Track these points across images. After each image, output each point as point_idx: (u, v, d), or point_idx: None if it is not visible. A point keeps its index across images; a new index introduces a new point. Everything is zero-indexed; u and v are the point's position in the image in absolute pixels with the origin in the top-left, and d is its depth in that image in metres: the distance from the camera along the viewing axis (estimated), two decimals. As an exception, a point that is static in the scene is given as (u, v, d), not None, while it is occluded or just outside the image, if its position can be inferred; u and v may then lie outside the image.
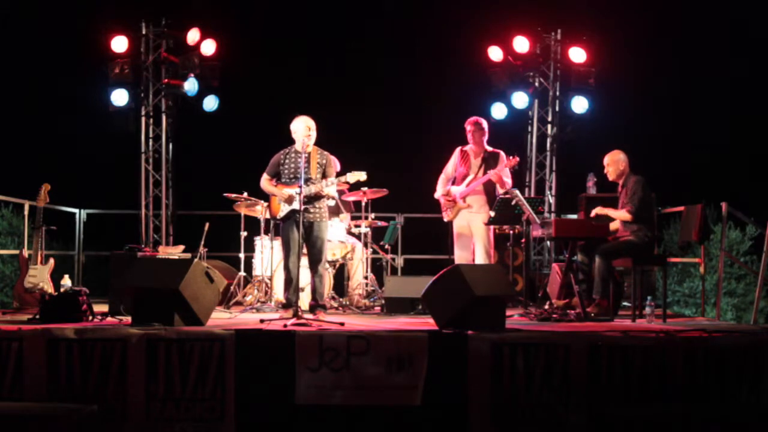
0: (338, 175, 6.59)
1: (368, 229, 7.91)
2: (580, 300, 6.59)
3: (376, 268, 8.59)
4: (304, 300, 6.74)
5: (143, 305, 5.42)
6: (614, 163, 6.82)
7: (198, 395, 5.02)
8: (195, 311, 5.47)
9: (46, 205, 7.03)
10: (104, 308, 6.33)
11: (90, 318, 5.86)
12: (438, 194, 7.47)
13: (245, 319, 6.37)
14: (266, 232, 7.77)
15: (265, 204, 7.46)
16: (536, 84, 9.91)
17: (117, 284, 6.42)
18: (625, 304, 7.54)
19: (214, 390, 5.02)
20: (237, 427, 5.01)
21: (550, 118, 10.03)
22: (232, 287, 7.57)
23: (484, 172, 7.24)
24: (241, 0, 10.48)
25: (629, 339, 5.21)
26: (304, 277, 6.81)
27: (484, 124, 7.39)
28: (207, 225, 7.69)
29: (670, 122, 10.60)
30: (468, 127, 7.38)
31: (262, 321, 5.89)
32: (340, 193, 7.92)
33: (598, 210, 6.81)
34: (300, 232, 6.31)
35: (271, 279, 7.44)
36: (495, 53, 9.75)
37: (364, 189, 7.76)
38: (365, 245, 7.89)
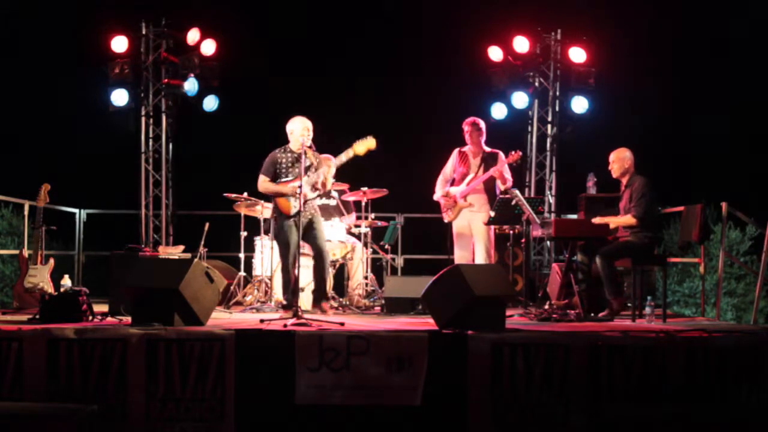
0: (345, 149, 6.61)
1: (368, 229, 7.92)
2: (580, 300, 6.59)
3: (376, 268, 8.59)
4: (305, 300, 6.75)
5: (143, 305, 5.42)
6: (620, 160, 6.79)
7: (198, 395, 5.02)
8: (195, 311, 5.47)
9: (46, 205, 7.03)
10: (104, 308, 6.33)
11: (90, 318, 5.86)
12: (437, 196, 7.47)
13: (245, 319, 6.37)
14: (266, 232, 7.77)
15: (267, 204, 7.46)
16: (536, 84, 9.92)
17: (117, 284, 6.41)
18: (626, 304, 7.53)
19: (214, 390, 5.03)
20: (237, 427, 5.01)
21: (550, 118, 10.03)
22: (232, 287, 7.57)
23: (484, 172, 7.24)
24: (241, 0, 10.47)
25: (629, 339, 5.21)
26: (305, 277, 6.81)
27: (482, 124, 7.39)
28: (207, 225, 7.69)
29: (670, 122, 10.59)
30: (465, 128, 7.38)
31: (262, 321, 5.88)
32: (340, 192, 7.93)
33: (598, 220, 6.73)
34: (299, 233, 6.32)
35: (271, 279, 7.44)
36: (495, 53, 9.75)
37: (364, 189, 7.77)
38: (365, 245, 7.89)
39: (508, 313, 6.19)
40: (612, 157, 6.86)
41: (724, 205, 7.09)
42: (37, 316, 5.72)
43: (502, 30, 9.81)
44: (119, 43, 9.41)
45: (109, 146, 9.98)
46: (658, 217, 6.86)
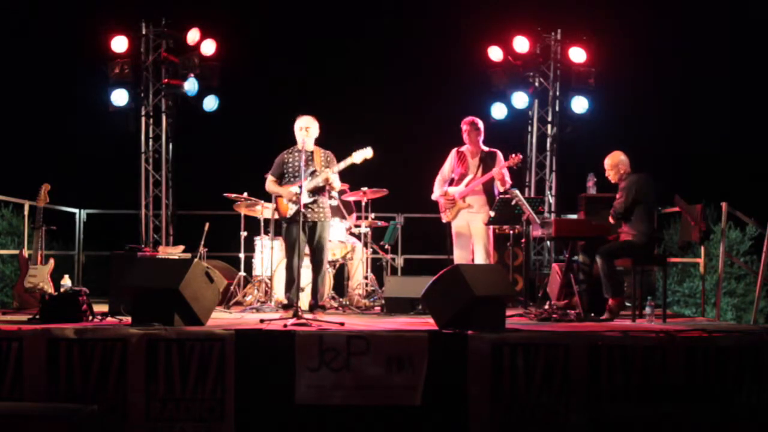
0: (345, 157, 6.61)
1: (368, 229, 7.91)
2: (580, 300, 6.59)
3: (376, 268, 8.59)
4: (304, 300, 6.75)
5: (143, 305, 5.42)
6: (614, 166, 6.79)
7: (198, 395, 5.02)
8: (195, 311, 5.47)
9: (46, 205, 7.03)
10: (104, 308, 6.33)
11: (90, 318, 5.86)
12: (435, 195, 7.47)
13: (245, 319, 6.37)
14: (266, 232, 7.77)
15: (267, 204, 7.47)
16: (536, 84, 9.92)
17: (117, 284, 6.42)
18: (625, 303, 7.53)
19: (214, 390, 5.02)
20: (237, 427, 5.01)
21: (550, 118, 10.03)
22: (232, 287, 7.57)
23: (483, 172, 7.24)
24: (241, 0, 10.47)
25: (629, 339, 5.21)
26: (305, 277, 6.81)
27: (480, 123, 7.39)
28: (207, 225, 7.69)
29: (670, 122, 10.59)
30: (464, 127, 7.38)
31: (262, 321, 5.88)
32: (341, 193, 7.92)
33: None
34: (304, 231, 6.32)
35: (271, 279, 7.44)
36: (495, 53, 9.75)
37: (364, 189, 7.77)
38: (365, 245, 7.89)
39: (508, 313, 6.18)
40: (606, 164, 6.85)
41: (724, 205, 7.09)
42: (37, 316, 5.72)
43: (502, 30, 9.81)
44: (119, 43, 9.41)
45: (109, 146, 9.98)
46: (658, 216, 6.85)
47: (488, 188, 7.28)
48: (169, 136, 9.85)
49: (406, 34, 10.53)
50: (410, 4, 10.56)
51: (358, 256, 7.81)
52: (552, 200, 9.86)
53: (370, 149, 6.43)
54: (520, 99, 9.70)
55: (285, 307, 6.59)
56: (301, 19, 10.61)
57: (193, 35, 9.54)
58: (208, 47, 9.56)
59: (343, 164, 6.56)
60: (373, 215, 8.16)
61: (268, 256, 7.55)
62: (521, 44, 9.70)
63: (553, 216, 9.25)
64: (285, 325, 5.51)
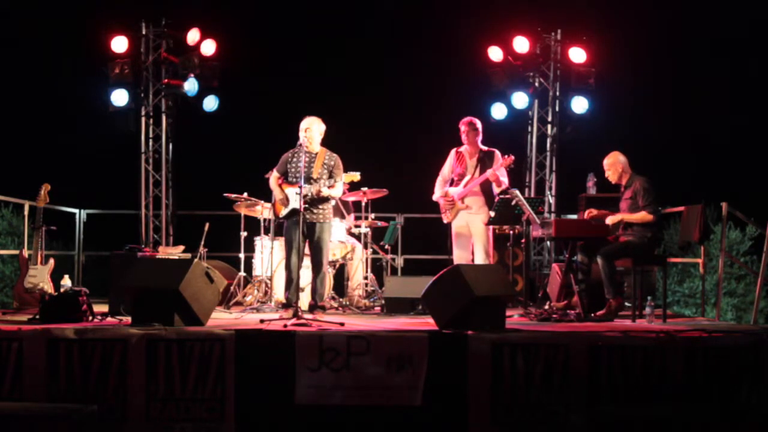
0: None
1: (368, 230, 7.91)
2: (580, 300, 6.59)
3: (376, 268, 8.58)
4: (304, 300, 6.75)
5: (143, 305, 5.42)
6: (613, 165, 6.79)
7: (198, 395, 5.02)
8: (195, 311, 5.47)
9: (46, 205, 7.03)
10: (104, 308, 6.33)
11: (90, 318, 5.86)
12: (436, 196, 7.47)
13: (245, 319, 6.37)
14: (266, 232, 7.77)
15: (266, 204, 7.48)
16: (536, 84, 9.91)
17: (117, 284, 6.42)
18: (625, 303, 7.53)
19: (214, 390, 5.03)
20: (237, 427, 5.01)
21: (550, 118, 10.02)
22: (232, 287, 7.57)
23: (480, 172, 7.24)
24: (241, 0, 10.47)
25: (629, 339, 5.21)
26: (305, 277, 6.81)
27: (478, 124, 7.39)
28: (207, 225, 7.69)
29: (670, 122, 10.59)
30: (462, 128, 7.38)
31: (262, 321, 5.89)
32: (340, 193, 7.92)
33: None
34: (302, 233, 6.32)
35: (271, 279, 7.44)
36: (495, 53, 9.74)
37: (364, 189, 7.76)
38: (365, 245, 7.89)
39: (508, 313, 6.19)
40: (605, 164, 6.85)
41: (724, 205, 7.09)
42: (37, 316, 5.72)
43: (502, 30, 9.81)
44: (119, 43, 9.41)
45: (109, 146, 9.98)
46: (658, 216, 6.84)
47: (486, 189, 7.28)
48: (169, 136, 9.85)
49: (406, 34, 10.52)
50: (410, 4, 10.55)
51: (358, 256, 7.81)
52: (552, 200, 9.86)
53: (358, 174, 6.49)
54: (520, 99, 9.70)
55: (285, 307, 6.59)
56: (301, 19, 10.61)
57: (193, 35, 9.54)
58: (208, 47, 9.55)
59: (333, 182, 6.57)
60: (373, 215, 8.16)
61: (268, 256, 7.54)
62: (521, 44, 9.70)
63: (553, 216, 9.26)
64: (285, 326, 5.51)
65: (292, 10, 10.54)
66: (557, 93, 9.94)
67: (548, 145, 10.06)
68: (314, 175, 6.54)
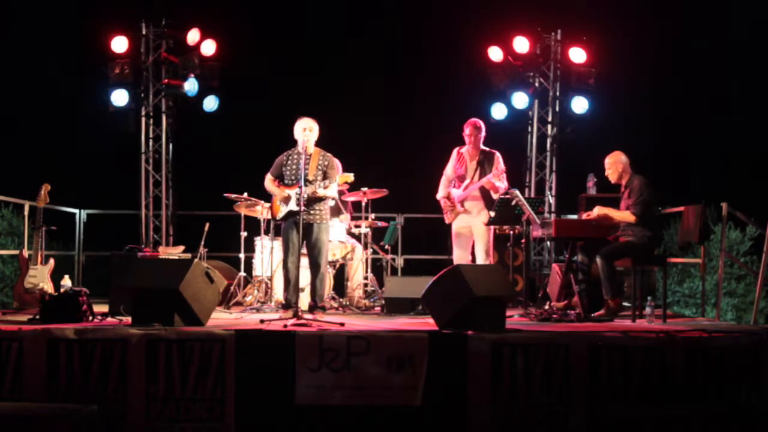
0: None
1: (368, 230, 7.91)
2: (580, 300, 6.59)
3: (376, 268, 8.58)
4: (304, 300, 6.75)
5: (143, 305, 5.42)
6: (614, 164, 6.80)
7: (198, 395, 5.02)
8: (195, 311, 5.47)
9: (46, 205, 7.03)
10: (104, 308, 6.33)
11: (90, 318, 5.86)
12: (440, 195, 7.47)
13: (245, 319, 6.37)
14: (266, 233, 7.77)
15: (266, 204, 7.47)
16: (536, 84, 9.91)
17: (117, 284, 6.42)
18: (625, 304, 7.53)
19: (214, 390, 5.03)
20: (237, 427, 5.01)
21: (550, 118, 10.02)
22: (232, 287, 7.57)
23: (480, 176, 7.24)
24: (241, 0, 10.47)
25: (629, 339, 5.21)
26: (304, 278, 6.81)
27: (482, 126, 7.39)
28: (207, 225, 7.69)
29: (670, 122, 10.59)
30: (466, 130, 7.37)
31: (262, 321, 5.89)
32: (340, 193, 7.92)
33: (598, 210, 6.73)
34: (299, 233, 6.31)
35: (271, 279, 7.44)
36: (495, 53, 9.74)
37: (364, 189, 7.76)
38: (365, 246, 7.89)
39: (508, 313, 6.18)
40: (606, 163, 6.85)
41: (724, 205, 7.09)
42: (37, 316, 5.72)
43: (502, 30, 9.81)
44: (119, 44, 9.41)
45: (109, 146, 9.97)
46: (658, 216, 6.85)
47: (486, 192, 7.27)
48: (169, 136, 9.85)
49: (406, 34, 10.52)
50: (410, 4, 10.55)
51: (358, 256, 7.81)
52: (552, 200, 9.86)
53: (352, 175, 6.46)
54: (520, 99, 9.70)
55: (285, 307, 6.59)
56: (301, 19, 10.61)
57: (193, 35, 9.54)
58: (208, 47, 9.55)
59: (327, 183, 6.54)
60: (373, 215, 8.15)
61: (268, 256, 7.54)
62: (521, 44, 9.70)
63: (553, 216, 9.26)
64: (285, 326, 5.51)
65: (293, 10, 10.54)
66: (557, 93, 9.94)
67: (548, 145, 10.06)
68: (310, 177, 6.54)
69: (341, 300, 7.53)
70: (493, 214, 6.99)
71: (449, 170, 7.47)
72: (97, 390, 5.00)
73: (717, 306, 7.21)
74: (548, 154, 10.06)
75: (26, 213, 7.91)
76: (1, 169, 9.15)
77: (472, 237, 7.29)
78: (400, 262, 9.47)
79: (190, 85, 9.46)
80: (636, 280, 6.58)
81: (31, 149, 10.35)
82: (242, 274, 7.80)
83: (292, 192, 6.51)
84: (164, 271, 5.66)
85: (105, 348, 5.04)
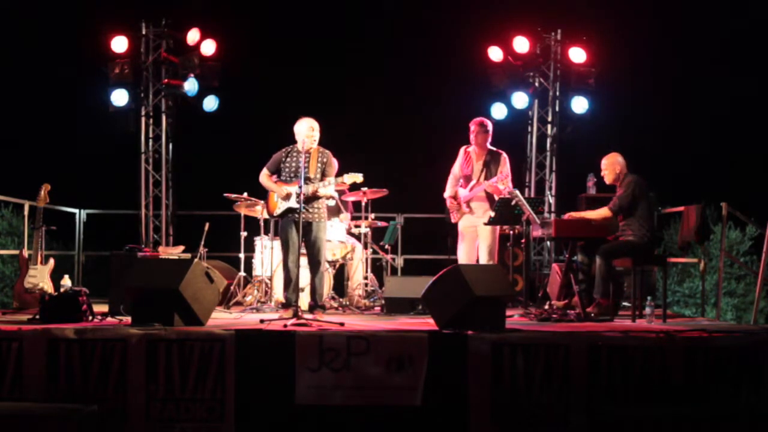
0: (336, 175, 6.60)
1: (368, 230, 7.91)
2: (580, 300, 6.59)
3: (376, 268, 8.58)
4: (304, 300, 6.75)
5: (143, 305, 5.42)
6: (611, 166, 6.80)
7: (198, 395, 5.02)
8: (195, 311, 5.47)
9: (46, 205, 7.03)
10: (104, 308, 6.33)
11: (90, 318, 5.86)
12: (447, 194, 7.47)
13: (245, 319, 6.37)
14: (266, 232, 7.77)
15: (264, 202, 7.47)
16: (536, 84, 9.91)
17: (117, 284, 6.42)
18: (625, 304, 7.53)
19: (214, 390, 5.03)
20: (237, 427, 5.01)
21: (550, 118, 10.02)
22: (232, 287, 7.57)
23: (486, 176, 7.24)
24: (241, 0, 10.47)
25: (629, 339, 5.21)
26: (304, 277, 6.81)
27: (489, 125, 7.39)
28: (207, 225, 7.69)
29: (670, 122, 10.59)
30: (472, 128, 7.37)
31: (262, 321, 5.89)
32: (340, 193, 7.92)
33: (572, 215, 6.74)
34: (298, 232, 6.31)
35: (271, 279, 7.44)
36: (495, 53, 9.75)
37: (364, 189, 7.75)
38: (365, 245, 7.89)
39: (508, 313, 6.18)
40: (603, 164, 6.85)
41: (724, 205, 7.09)
42: (37, 316, 5.72)
43: (502, 30, 9.81)
44: (119, 43, 9.41)
45: (109, 146, 9.98)
46: (656, 216, 6.85)
47: (491, 194, 7.27)
48: (169, 136, 9.85)
49: (406, 34, 10.52)
50: (410, 4, 10.55)
51: (358, 256, 7.81)
52: (552, 200, 9.86)
53: (361, 175, 6.43)
54: (520, 99, 9.70)
55: (284, 307, 6.58)
56: (300, 19, 10.61)
57: (193, 35, 9.54)
58: (208, 47, 9.56)
59: (333, 180, 6.52)
60: (373, 215, 8.15)
61: (268, 256, 7.54)
62: (521, 44, 9.70)
63: (553, 216, 9.26)
64: (285, 326, 5.51)
65: (292, 10, 10.54)
66: (557, 93, 9.94)
67: (548, 145, 10.07)
68: (311, 174, 6.54)
69: (341, 300, 7.53)
70: (493, 213, 6.99)
71: (456, 169, 7.47)
72: (97, 390, 5.00)
73: (717, 306, 7.21)
74: (548, 154, 10.06)
75: (26, 213, 7.91)
76: (1, 169, 9.14)
77: (477, 236, 7.29)
78: (400, 262, 9.47)
79: (190, 85, 9.46)
80: (636, 280, 6.58)
81: (31, 149, 10.35)
82: (242, 274, 7.80)
83: (293, 189, 6.49)
84: (164, 271, 5.66)
85: (105, 348, 5.04)
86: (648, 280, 7.72)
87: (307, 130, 6.56)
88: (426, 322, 5.88)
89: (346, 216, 7.93)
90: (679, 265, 9.73)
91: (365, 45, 10.51)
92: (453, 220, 7.43)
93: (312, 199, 6.53)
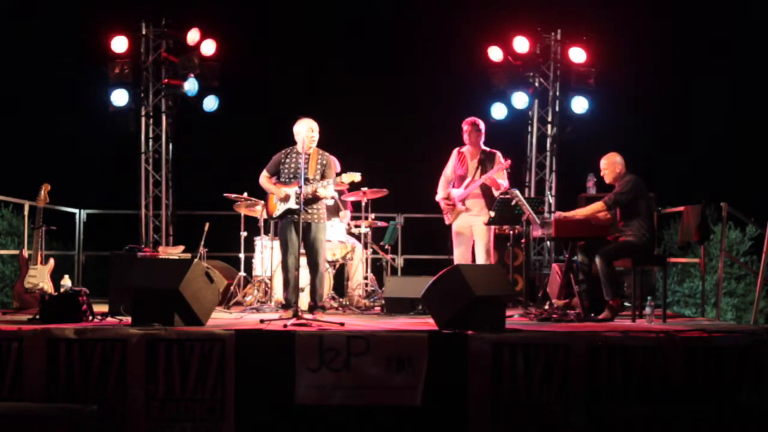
0: (336, 175, 6.61)
1: (368, 230, 7.91)
2: (580, 300, 6.59)
3: (376, 268, 8.59)
4: (304, 300, 6.75)
5: (143, 305, 5.42)
6: (610, 165, 6.79)
7: (198, 395, 5.02)
8: (195, 311, 5.47)
9: (46, 205, 7.03)
10: (104, 308, 6.33)
11: (90, 318, 5.86)
12: (439, 197, 7.47)
13: (245, 319, 6.37)
14: (266, 233, 7.77)
15: (263, 203, 7.47)
16: (536, 84, 9.91)
17: (117, 284, 6.42)
18: (625, 304, 7.53)
19: (214, 390, 5.03)
20: (237, 427, 5.01)
21: (550, 118, 10.03)
22: (232, 287, 7.57)
23: (481, 174, 7.24)
24: (241, 0, 10.48)
25: (629, 339, 5.21)
26: (304, 277, 6.81)
27: (481, 125, 7.38)
28: (207, 225, 7.68)
29: (669, 122, 10.60)
30: (464, 127, 7.37)
31: (262, 321, 5.88)
32: (340, 193, 7.93)
33: (561, 214, 6.73)
34: (298, 233, 6.31)
35: (271, 279, 7.44)
36: (495, 53, 9.75)
37: (364, 189, 7.76)
38: (365, 245, 7.89)
39: (508, 313, 6.19)
40: (602, 163, 6.85)
41: (724, 205, 7.09)
42: (37, 316, 5.72)
43: (502, 30, 9.81)
44: (119, 43, 9.41)
45: (109, 146, 9.98)
46: (652, 215, 6.84)
47: (487, 191, 7.27)
48: (169, 136, 9.85)
49: (406, 34, 10.53)
50: (410, 4, 10.56)
51: (358, 256, 7.81)
52: (552, 200, 9.86)
53: (359, 175, 6.44)
54: (520, 99, 9.70)
55: (284, 307, 6.59)
56: (301, 19, 10.61)
57: (193, 35, 9.54)
58: (208, 47, 9.56)
59: (331, 181, 6.53)
60: (373, 215, 8.15)
61: (268, 256, 7.54)
62: (521, 44, 9.70)
63: (553, 216, 9.25)
64: (285, 326, 5.51)
65: (292, 10, 10.54)
66: (557, 93, 9.94)
67: (548, 145, 10.07)
68: (310, 175, 6.54)
69: (341, 300, 7.53)
70: (493, 214, 6.99)
71: (448, 171, 7.46)
72: (97, 390, 5.01)
73: (717, 306, 7.21)
74: (548, 154, 10.06)
75: (26, 213, 7.91)
76: (1, 169, 9.15)
77: (472, 237, 7.29)
78: (400, 262, 9.47)
79: (190, 85, 9.46)
80: (636, 280, 6.58)
81: (31, 149, 10.35)
82: (242, 274, 7.80)
83: (291, 190, 6.51)
84: (164, 271, 5.66)
85: (105, 348, 5.05)
86: (648, 280, 7.72)
87: (306, 131, 6.57)
88: (426, 322, 5.88)
89: (345, 214, 7.94)
90: (679, 265, 9.73)
91: (365, 45, 10.52)
92: (448, 222, 7.42)
93: (311, 200, 6.53)
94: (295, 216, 6.35)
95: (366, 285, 7.88)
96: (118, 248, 7.05)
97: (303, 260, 6.66)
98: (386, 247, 8.28)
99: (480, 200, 7.26)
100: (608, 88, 9.79)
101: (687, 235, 7.19)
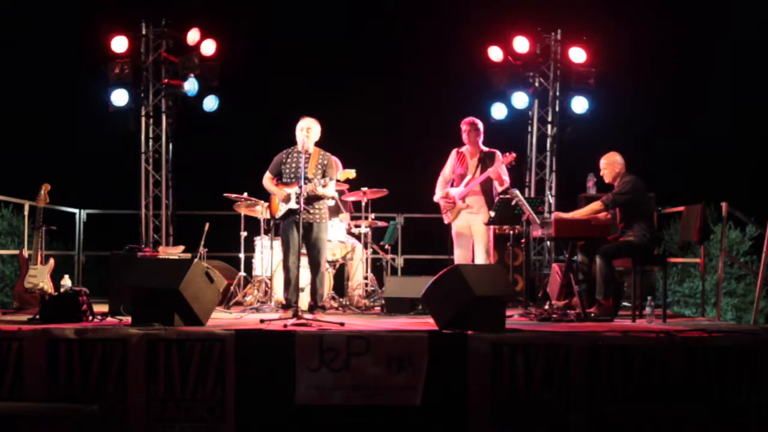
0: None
1: (368, 230, 7.91)
2: (580, 300, 6.59)
3: (376, 268, 8.58)
4: (304, 300, 6.75)
5: (143, 305, 5.42)
6: (610, 165, 6.80)
7: (198, 395, 5.02)
8: (195, 311, 5.47)
9: (46, 205, 7.02)
10: (104, 308, 6.33)
11: (90, 318, 5.86)
12: (437, 197, 7.47)
13: (245, 319, 6.37)
14: (266, 232, 7.77)
15: (266, 204, 7.47)
16: (536, 84, 9.91)
17: (117, 284, 6.41)
18: (625, 304, 7.53)
19: (214, 390, 5.03)
20: (237, 427, 5.01)
21: (550, 118, 10.02)
22: (232, 287, 7.57)
23: (482, 172, 7.24)
24: (241, 0, 10.48)
25: (629, 339, 5.21)
26: (304, 277, 6.81)
27: (480, 124, 7.39)
28: (207, 225, 7.69)
29: (670, 122, 10.60)
30: (463, 127, 7.38)
31: (262, 321, 5.88)
32: (340, 193, 7.93)
33: (559, 215, 6.72)
34: (299, 233, 6.31)
35: (271, 279, 7.44)
36: (495, 53, 9.75)
37: (364, 189, 7.76)
38: (365, 245, 7.89)
39: (508, 313, 6.18)
40: (602, 163, 6.86)
41: (724, 205, 7.09)
42: (37, 316, 5.72)
43: (502, 30, 9.81)
44: (119, 43, 9.41)
45: (109, 146, 9.98)
46: (652, 215, 6.85)
47: (487, 189, 7.28)
48: (169, 136, 9.85)
49: (406, 34, 10.54)
50: (410, 5, 10.56)
51: (358, 256, 7.81)
52: (552, 200, 9.86)
53: (354, 171, 6.47)
54: (520, 99, 9.70)
55: (284, 307, 6.59)
56: (300, 19, 10.62)
57: (193, 35, 9.54)
58: (208, 47, 9.56)
59: (328, 180, 6.55)
60: (373, 215, 8.15)
61: (268, 256, 7.54)
62: (521, 44, 9.70)
63: (553, 216, 9.25)
64: (285, 326, 5.51)
65: (292, 10, 10.55)
66: (557, 93, 9.94)
67: (548, 145, 10.06)
68: (310, 175, 6.54)
69: (341, 300, 7.53)
70: (492, 214, 6.99)
71: (447, 171, 7.47)
72: (97, 390, 5.00)
73: (717, 306, 7.21)
74: (548, 154, 10.06)
75: (26, 213, 7.91)
76: (1, 169, 9.15)
77: (472, 236, 7.29)
78: (400, 261, 9.47)
79: (190, 85, 9.46)
80: (636, 280, 6.58)
81: (31, 149, 10.35)
82: (242, 274, 7.80)
83: (292, 190, 6.52)
84: (164, 271, 5.66)
85: (105, 348, 5.04)
86: (648, 280, 7.72)
87: (305, 130, 6.60)
88: (426, 322, 5.88)
89: (346, 216, 7.94)
90: (679, 265, 9.74)
91: (365, 45, 10.52)
92: (447, 221, 7.42)
93: (312, 199, 6.54)
94: (297, 216, 6.36)
95: (366, 285, 7.88)
96: (118, 248, 7.05)
97: (303, 260, 6.66)
98: (386, 247, 8.27)
99: (480, 198, 7.27)
100: (608, 88, 9.79)
101: (687, 235, 7.19)
